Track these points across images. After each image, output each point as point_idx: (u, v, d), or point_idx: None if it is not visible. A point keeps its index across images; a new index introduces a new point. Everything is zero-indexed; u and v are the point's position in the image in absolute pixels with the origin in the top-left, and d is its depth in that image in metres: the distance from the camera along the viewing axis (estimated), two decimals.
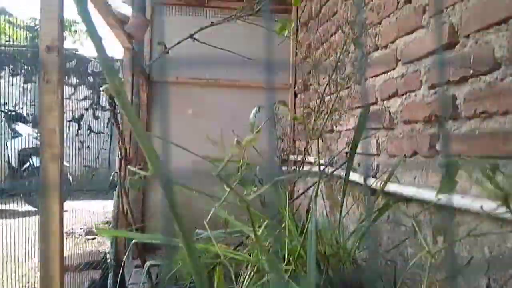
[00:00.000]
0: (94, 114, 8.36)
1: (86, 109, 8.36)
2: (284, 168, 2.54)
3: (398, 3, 1.59)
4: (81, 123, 8.23)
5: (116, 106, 1.57)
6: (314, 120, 1.25)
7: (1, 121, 6.08)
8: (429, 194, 1.31)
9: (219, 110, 3.17)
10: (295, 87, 3.16)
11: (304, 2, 2.86)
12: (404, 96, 1.55)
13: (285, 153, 1.84)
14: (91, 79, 8.32)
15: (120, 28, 1.77)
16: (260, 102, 3.14)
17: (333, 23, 2.34)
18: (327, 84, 1.23)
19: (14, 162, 5.95)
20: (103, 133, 8.28)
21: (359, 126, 1.20)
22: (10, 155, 5.92)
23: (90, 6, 1.52)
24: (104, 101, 8.20)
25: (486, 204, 1.03)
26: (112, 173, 2.08)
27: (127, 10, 1.85)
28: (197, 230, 1.99)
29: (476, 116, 1.16)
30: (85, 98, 8.25)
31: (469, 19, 1.19)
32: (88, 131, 8.23)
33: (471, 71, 1.17)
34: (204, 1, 3.09)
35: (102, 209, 5.75)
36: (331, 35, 2.33)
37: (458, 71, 1.22)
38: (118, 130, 1.67)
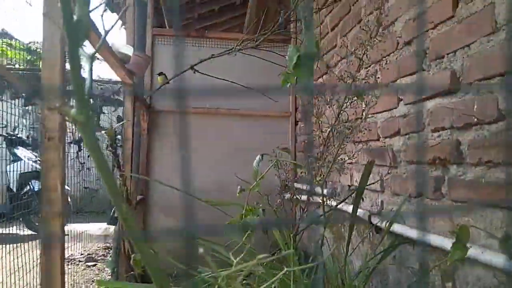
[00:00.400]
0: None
1: None
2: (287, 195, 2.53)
3: (398, 44, 1.61)
4: (81, 144, 8.23)
5: (117, 147, 1.56)
6: (319, 167, 1.25)
7: (1, 144, 6.07)
8: (436, 240, 1.29)
9: (220, 138, 3.17)
10: (295, 115, 3.16)
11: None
12: (407, 136, 1.54)
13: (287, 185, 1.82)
14: (91, 101, 8.34)
15: (122, 67, 1.78)
16: (260, 130, 3.15)
17: (332, 56, 2.35)
18: (330, 131, 1.23)
19: (14, 186, 5.93)
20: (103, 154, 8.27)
21: (364, 177, 1.19)
22: (10, 179, 5.90)
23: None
24: (103, 123, 8.23)
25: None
26: (114, 208, 2.05)
27: (127, 49, 1.87)
28: (199, 268, 1.96)
29: (482, 164, 1.15)
30: None
31: (471, 67, 1.19)
32: (88, 153, 8.21)
33: (475, 119, 1.16)
34: (204, 32, 3.12)
35: (102, 231, 5.70)
36: (331, 67, 2.34)
37: (462, 118, 1.22)
38: (119, 170, 1.66)
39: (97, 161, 0.33)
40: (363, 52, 1.19)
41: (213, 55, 2.72)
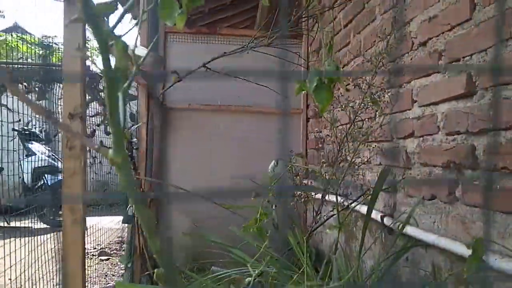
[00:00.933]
0: (106, 129, 8.45)
1: (98, 125, 8.45)
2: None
3: (412, 44, 1.59)
4: (93, 139, 8.31)
5: (133, 149, 1.59)
6: (333, 172, 1.26)
7: (14, 139, 6.16)
8: (449, 244, 1.30)
9: (232, 135, 3.19)
10: (307, 112, 3.16)
11: (316, 29, 2.87)
12: (421, 138, 1.54)
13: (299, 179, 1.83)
14: (103, 95, 8.46)
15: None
16: (272, 127, 3.16)
17: (345, 54, 2.34)
18: (345, 136, 1.24)
19: (28, 181, 6.03)
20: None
21: (379, 182, 1.20)
22: (24, 174, 6.01)
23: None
24: None
25: None
26: (128, 207, 2.09)
27: (141, 50, 1.89)
28: (213, 267, 1.99)
29: (496, 170, 1.15)
30: (97, 114, 8.37)
31: (487, 72, 1.18)
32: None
33: (491, 125, 1.16)
34: (215, 29, 3.12)
35: (114, 225, 5.79)
36: (344, 66, 2.33)
37: (477, 123, 1.22)
38: (134, 170, 1.69)
39: (133, 199, 0.34)
40: (379, 60, 1.19)
41: (225, 52, 2.73)
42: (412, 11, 1.60)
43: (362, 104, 1.19)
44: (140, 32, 2.77)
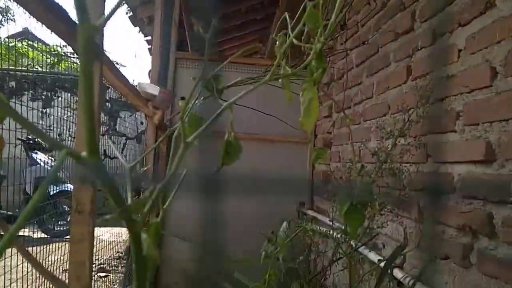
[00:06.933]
0: (110, 139, 8.46)
1: (102, 135, 8.46)
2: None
3: (428, 97, 1.57)
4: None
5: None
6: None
7: (17, 148, 6.14)
8: None
9: (239, 162, 3.16)
10: (314, 142, 3.14)
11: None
12: None
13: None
14: (108, 105, 8.48)
15: (147, 105, 1.79)
16: (279, 155, 3.13)
17: (356, 93, 2.32)
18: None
19: (29, 190, 6.01)
20: (117, 158, 8.39)
21: (391, 258, 1.17)
22: (26, 183, 5.99)
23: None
24: (120, 127, 8.36)
25: None
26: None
27: (153, 88, 1.88)
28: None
29: None
30: (102, 124, 8.38)
31: (509, 144, 1.15)
32: (103, 156, 8.30)
33: (511, 198, 1.13)
34: (226, 57, 3.11)
35: (114, 238, 5.73)
36: (355, 105, 2.31)
37: (496, 192, 1.18)
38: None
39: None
40: (397, 135, 1.17)
41: (237, 80, 2.72)
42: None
43: (380, 172, 1.16)
44: (152, 57, 2.76)
